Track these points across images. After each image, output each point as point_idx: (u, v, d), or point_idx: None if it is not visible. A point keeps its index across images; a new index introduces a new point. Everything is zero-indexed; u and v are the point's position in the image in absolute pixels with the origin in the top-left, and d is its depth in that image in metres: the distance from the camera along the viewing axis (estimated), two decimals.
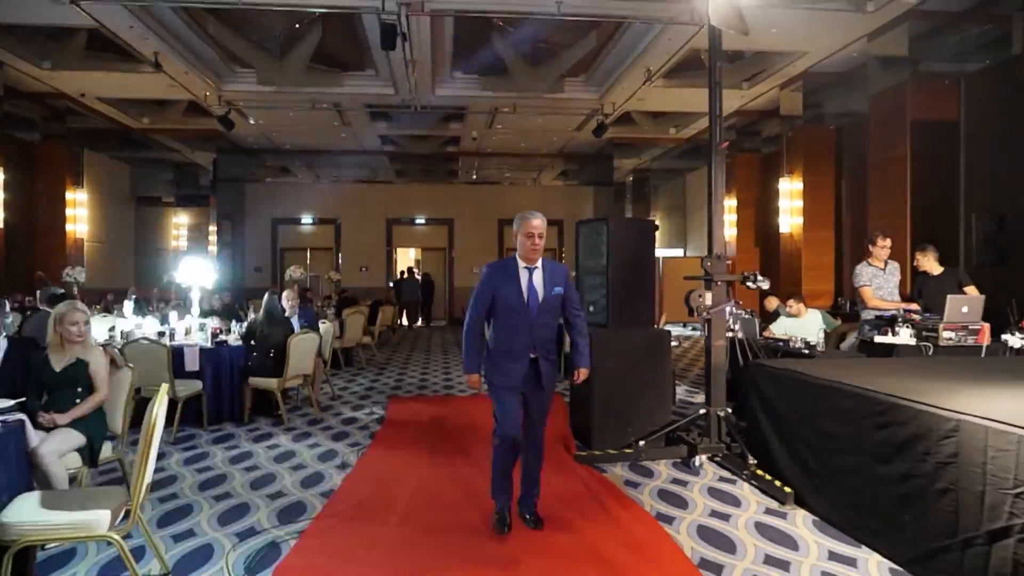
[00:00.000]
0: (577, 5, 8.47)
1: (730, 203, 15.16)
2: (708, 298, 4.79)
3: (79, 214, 13.50)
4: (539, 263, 3.47)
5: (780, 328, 6.79)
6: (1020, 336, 5.22)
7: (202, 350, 5.93)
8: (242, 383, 6.05)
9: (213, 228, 16.98)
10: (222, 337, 6.36)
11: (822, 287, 11.72)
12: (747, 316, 6.67)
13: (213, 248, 16.89)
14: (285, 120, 13.83)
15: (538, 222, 3.42)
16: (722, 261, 4.86)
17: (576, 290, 3.77)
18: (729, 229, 15.07)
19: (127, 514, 2.74)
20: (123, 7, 8.46)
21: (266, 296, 6.49)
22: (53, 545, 3.11)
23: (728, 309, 6.38)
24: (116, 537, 2.61)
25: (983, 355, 5.01)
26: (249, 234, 18.61)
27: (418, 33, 9.33)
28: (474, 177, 20.09)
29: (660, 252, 16.48)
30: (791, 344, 5.83)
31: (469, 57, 11.02)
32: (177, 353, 5.78)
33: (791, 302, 6.80)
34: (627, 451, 4.81)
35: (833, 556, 3.22)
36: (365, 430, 5.85)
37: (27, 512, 2.60)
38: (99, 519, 2.57)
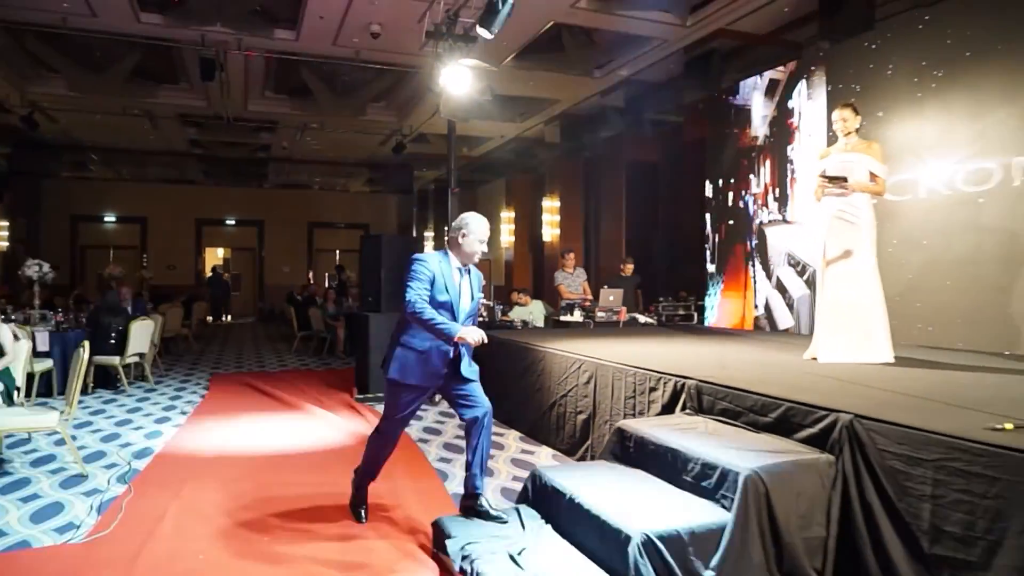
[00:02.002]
0: (372, 54, 10.50)
1: (509, 215, 18.02)
2: None
3: None
4: (470, 267, 3.42)
5: (515, 314, 9.44)
6: (646, 316, 8.28)
7: (51, 334, 7.22)
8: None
9: (4, 223, 16.63)
10: (65, 324, 7.66)
11: None
12: (493, 305, 9.25)
13: (3, 244, 16.57)
14: (92, 121, 14.22)
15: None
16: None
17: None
18: (508, 237, 17.96)
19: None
20: None
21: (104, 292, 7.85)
22: None
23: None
24: (62, 429, 4.32)
25: (620, 327, 7.93)
26: (46, 231, 18.25)
27: (232, 61, 10.75)
28: (284, 181, 21.05)
29: None
30: (514, 323, 8.45)
31: (280, 81, 12.58)
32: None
33: (520, 296, 9.49)
34: None
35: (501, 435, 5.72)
36: (195, 394, 7.53)
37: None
38: (53, 418, 4.28)
